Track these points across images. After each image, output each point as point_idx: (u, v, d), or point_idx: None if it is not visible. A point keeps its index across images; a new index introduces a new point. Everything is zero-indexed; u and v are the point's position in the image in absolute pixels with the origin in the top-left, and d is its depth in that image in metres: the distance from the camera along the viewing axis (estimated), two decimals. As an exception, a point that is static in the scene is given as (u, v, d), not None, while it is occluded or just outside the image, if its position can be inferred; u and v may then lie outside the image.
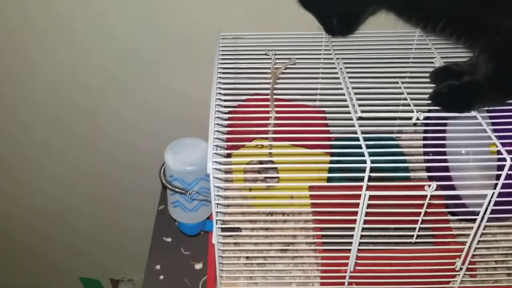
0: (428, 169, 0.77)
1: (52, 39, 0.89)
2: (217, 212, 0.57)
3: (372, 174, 0.52)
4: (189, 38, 0.88)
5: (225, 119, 0.65)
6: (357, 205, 0.55)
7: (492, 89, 0.59)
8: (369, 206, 0.56)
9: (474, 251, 0.61)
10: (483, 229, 0.59)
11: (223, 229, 0.60)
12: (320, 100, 0.73)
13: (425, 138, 0.79)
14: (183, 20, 0.86)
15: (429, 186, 0.53)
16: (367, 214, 0.56)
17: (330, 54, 0.71)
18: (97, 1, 0.84)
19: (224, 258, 0.64)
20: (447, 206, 0.69)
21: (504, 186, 0.54)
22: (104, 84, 0.96)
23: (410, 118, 0.56)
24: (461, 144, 0.69)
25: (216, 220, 0.58)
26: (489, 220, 0.57)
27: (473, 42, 0.60)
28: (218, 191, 0.55)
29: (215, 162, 0.53)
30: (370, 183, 0.53)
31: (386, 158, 0.53)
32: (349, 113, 0.58)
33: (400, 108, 0.60)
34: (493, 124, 0.59)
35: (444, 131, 0.69)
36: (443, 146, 0.75)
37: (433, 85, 0.64)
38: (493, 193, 0.54)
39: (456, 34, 0.60)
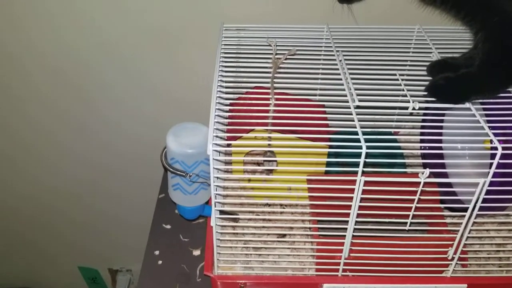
0: (424, 160, 0.78)
1: (53, 15, 0.89)
2: (216, 194, 0.58)
3: (369, 169, 0.53)
4: (193, 27, 0.89)
5: (226, 110, 0.66)
6: (353, 194, 0.56)
7: (487, 76, 0.60)
8: (364, 196, 0.57)
9: (466, 240, 0.62)
10: (477, 222, 0.60)
11: (221, 212, 0.61)
12: (320, 90, 0.74)
13: (422, 134, 0.81)
14: (186, 8, 0.87)
15: (423, 173, 0.55)
16: (362, 203, 0.57)
17: (331, 46, 0.73)
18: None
19: (222, 242, 0.65)
20: (442, 202, 0.70)
21: (496, 175, 0.55)
22: (106, 71, 0.97)
23: (407, 108, 0.58)
24: (457, 138, 0.70)
25: (215, 202, 0.59)
26: (482, 209, 0.58)
27: (472, 18, 0.60)
28: (218, 172, 0.56)
29: (215, 144, 0.54)
30: (366, 170, 0.54)
31: (382, 145, 0.55)
32: (347, 101, 0.60)
33: (399, 98, 0.61)
34: (487, 115, 0.60)
35: (441, 123, 0.71)
36: (440, 141, 0.77)
37: (430, 78, 0.65)
38: (485, 181, 0.55)
39: (457, 7, 0.61)
